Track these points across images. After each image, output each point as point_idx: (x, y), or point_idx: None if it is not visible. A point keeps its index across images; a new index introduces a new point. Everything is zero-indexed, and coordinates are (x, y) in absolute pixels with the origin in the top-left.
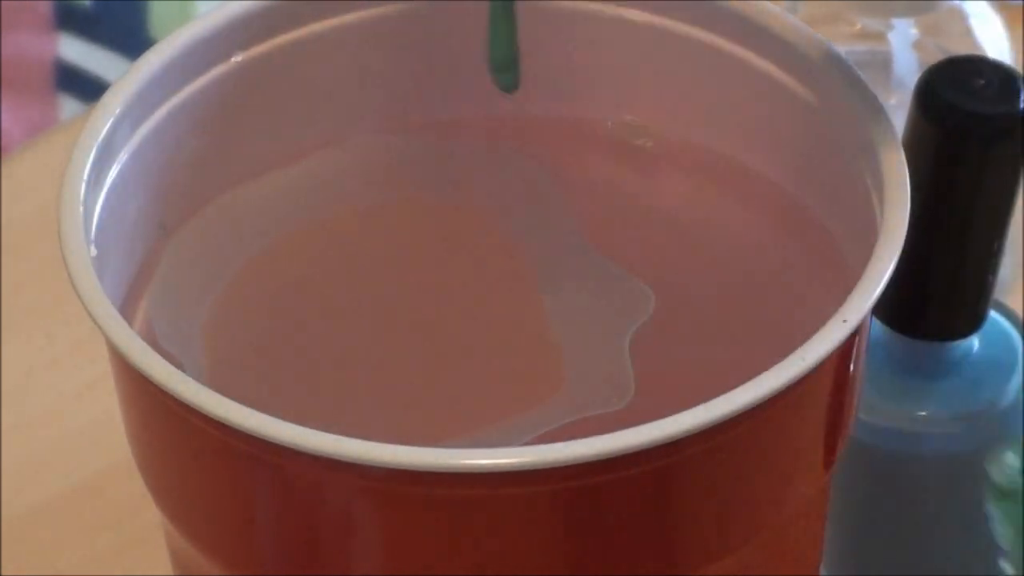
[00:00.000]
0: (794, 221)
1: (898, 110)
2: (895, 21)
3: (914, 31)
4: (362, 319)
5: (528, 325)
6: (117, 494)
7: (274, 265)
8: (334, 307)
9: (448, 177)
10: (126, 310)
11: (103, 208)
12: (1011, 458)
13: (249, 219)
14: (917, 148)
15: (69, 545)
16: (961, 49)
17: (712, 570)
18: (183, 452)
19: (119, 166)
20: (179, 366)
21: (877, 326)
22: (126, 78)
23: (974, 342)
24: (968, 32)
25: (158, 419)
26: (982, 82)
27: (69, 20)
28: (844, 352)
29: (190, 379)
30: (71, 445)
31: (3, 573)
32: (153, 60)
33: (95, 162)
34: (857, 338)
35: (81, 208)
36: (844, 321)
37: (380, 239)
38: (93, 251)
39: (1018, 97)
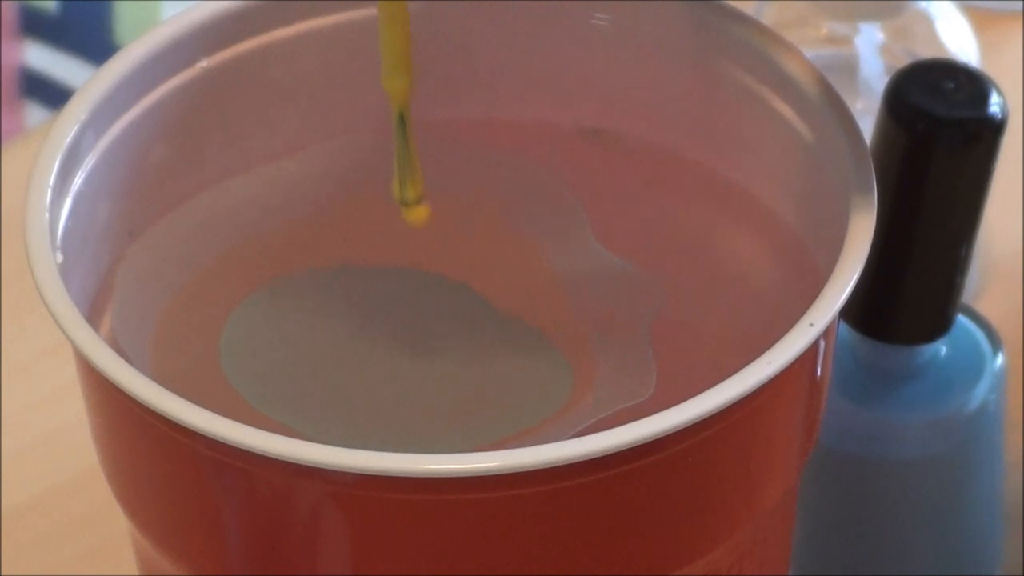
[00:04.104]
0: (762, 224)
1: (865, 114)
2: (861, 25)
3: (880, 35)
4: (349, 322)
5: (551, 320)
6: (85, 500)
7: (245, 269)
8: (315, 311)
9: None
10: (93, 316)
11: (69, 215)
12: None
13: (216, 223)
14: (886, 152)
15: (39, 550)
16: (928, 53)
17: (682, 571)
18: (150, 458)
19: (85, 173)
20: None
21: (846, 330)
22: (91, 84)
23: (942, 346)
24: (935, 36)
25: (125, 425)
26: (951, 86)
27: (34, 27)
28: (811, 356)
29: (157, 385)
30: (40, 451)
31: None
32: (118, 66)
33: (60, 169)
34: (824, 342)
35: (47, 215)
36: (811, 325)
37: (355, 240)
38: (59, 258)
39: (987, 101)
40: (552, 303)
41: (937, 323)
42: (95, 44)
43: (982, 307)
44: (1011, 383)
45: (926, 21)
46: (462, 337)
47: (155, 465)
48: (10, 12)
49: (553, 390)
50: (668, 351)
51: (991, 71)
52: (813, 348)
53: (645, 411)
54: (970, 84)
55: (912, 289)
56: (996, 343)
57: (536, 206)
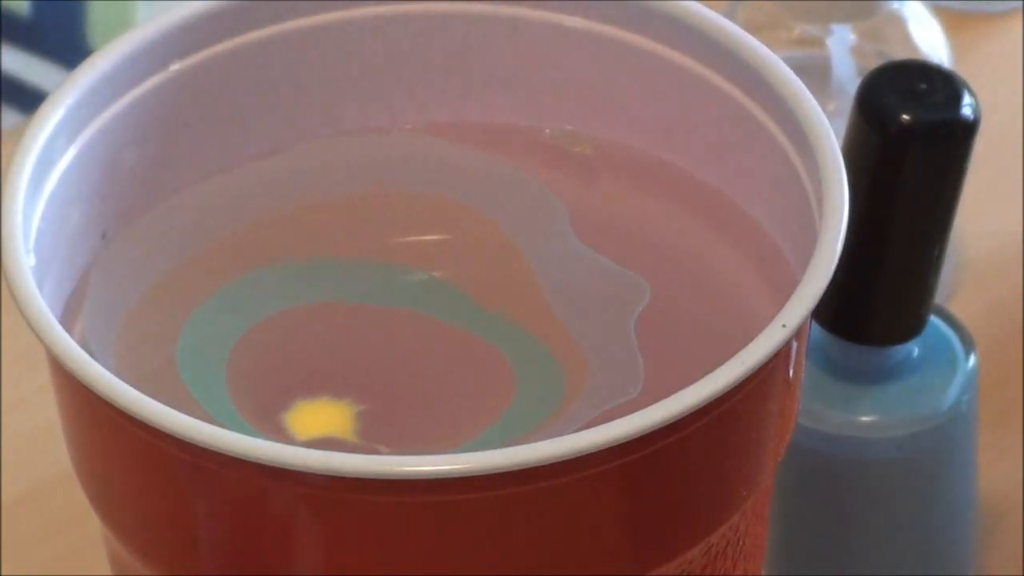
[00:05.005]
0: (736, 226)
1: (836, 116)
2: (833, 27)
3: (852, 36)
4: (322, 319)
5: (537, 319)
6: (59, 503)
7: (214, 270)
8: (283, 307)
9: (392, 178)
10: (66, 318)
11: (43, 218)
12: None
13: (189, 225)
14: (858, 153)
15: (11, 554)
16: (900, 54)
17: (656, 571)
18: (123, 460)
19: (59, 176)
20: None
21: (819, 332)
22: (64, 88)
23: (915, 347)
24: (907, 37)
25: (98, 427)
26: (924, 87)
27: (8, 31)
28: (783, 356)
29: (130, 388)
30: (14, 454)
31: None
32: (91, 70)
33: (34, 172)
34: (796, 343)
35: (20, 218)
36: (783, 326)
37: (331, 238)
38: (32, 260)
39: (960, 102)
40: (535, 302)
41: (910, 324)
42: (68, 48)
43: (955, 308)
44: (1011, 380)
45: (898, 22)
46: (446, 337)
47: (127, 468)
48: None
49: (547, 393)
50: (653, 349)
51: (963, 72)
52: (785, 349)
53: (632, 409)
54: (943, 85)
55: (885, 290)
56: (969, 344)
57: (517, 205)
